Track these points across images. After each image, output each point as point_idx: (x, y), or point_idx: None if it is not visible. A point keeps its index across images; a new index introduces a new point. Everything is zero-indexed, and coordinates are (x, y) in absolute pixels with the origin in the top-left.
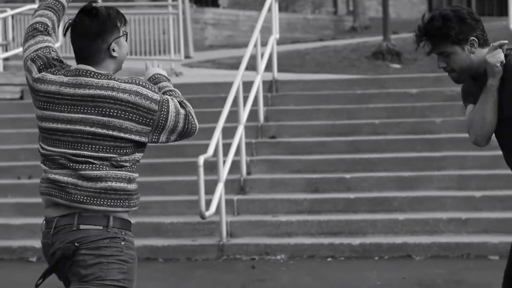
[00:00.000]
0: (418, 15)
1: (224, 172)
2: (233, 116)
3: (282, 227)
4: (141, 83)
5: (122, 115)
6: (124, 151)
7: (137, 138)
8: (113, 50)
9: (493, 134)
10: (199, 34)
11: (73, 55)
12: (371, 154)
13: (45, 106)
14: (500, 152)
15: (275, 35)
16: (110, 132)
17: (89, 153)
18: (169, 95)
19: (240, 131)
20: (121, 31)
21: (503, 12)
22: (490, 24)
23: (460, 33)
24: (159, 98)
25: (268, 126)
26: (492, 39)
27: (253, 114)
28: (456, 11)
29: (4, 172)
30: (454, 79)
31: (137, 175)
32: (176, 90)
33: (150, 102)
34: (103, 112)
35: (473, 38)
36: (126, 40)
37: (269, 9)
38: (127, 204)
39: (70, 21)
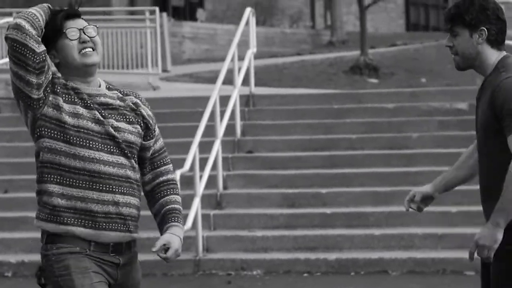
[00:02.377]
0: (395, 30)
1: (200, 187)
2: (210, 130)
3: (258, 242)
4: None
5: None
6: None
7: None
8: (53, 58)
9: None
10: (177, 47)
11: None
12: (347, 169)
13: None
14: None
15: (252, 49)
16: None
17: None
18: None
19: (217, 145)
20: (57, 38)
21: None
22: None
23: (474, 18)
24: None
25: (245, 141)
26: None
27: (230, 129)
28: (483, 2)
29: None
30: (455, 63)
31: (57, 188)
32: None
33: None
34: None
35: (484, 28)
36: (81, 34)
37: (247, 23)
38: (38, 215)
39: None
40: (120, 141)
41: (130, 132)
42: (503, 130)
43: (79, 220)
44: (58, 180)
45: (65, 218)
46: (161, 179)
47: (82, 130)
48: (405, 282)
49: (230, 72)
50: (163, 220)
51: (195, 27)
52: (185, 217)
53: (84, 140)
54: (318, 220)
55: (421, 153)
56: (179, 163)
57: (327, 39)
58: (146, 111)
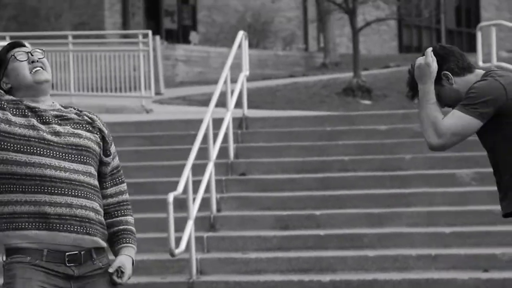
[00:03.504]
0: (388, 52)
1: (194, 209)
2: (203, 153)
3: (252, 264)
4: None
5: None
6: None
7: None
8: (4, 83)
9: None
10: (170, 70)
11: None
12: (340, 190)
13: None
14: (468, 189)
15: (245, 72)
16: None
17: None
18: None
19: (210, 168)
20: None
21: (473, 48)
22: None
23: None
24: None
25: (238, 163)
26: None
27: (223, 151)
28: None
29: None
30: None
31: (11, 196)
32: None
33: None
34: None
35: (445, 72)
36: (29, 56)
37: (240, 46)
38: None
39: None
40: (70, 146)
41: (87, 138)
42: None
43: (33, 224)
44: (10, 189)
45: (20, 224)
46: (122, 197)
47: (33, 139)
48: None
49: (223, 95)
50: (117, 238)
51: (188, 50)
52: (179, 239)
53: (35, 148)
54: (311, 242)
55: (414, 175)
56: (172, 186)
57: (320, 61)
58: (101, 126)
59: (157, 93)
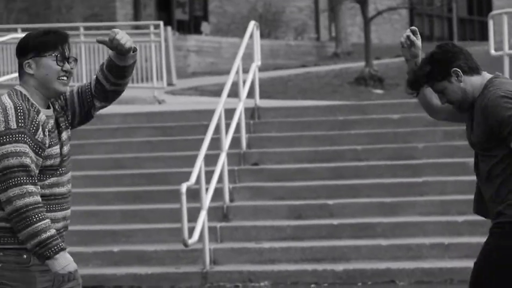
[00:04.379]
0: (400, 40)
1: (207, 199)
2: (216, 143)
3: (265, 254)
4: None
5: None
6: None
7: None
8: (28, 67)
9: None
10: (182, 61)
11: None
12: (353, 180)
13: None
14: None
15: (256, 62)
16: None
17: None
18: None
19: (223, 158)
20: (43, 53)
21: (485, 37)
22: (472, 49)
23: (439, 71)
24: None
25: (251, 153)
26: None
27: (235, 141)
28: (432, 54)
29: None
30: (457, 109)
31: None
32: None
33: None
34: None
35: (455, 69)
36: (58, 63)
37: (251, 36)
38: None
39: None
40: (68, 163)
41: (68, 152)
42: (504, 141)
43: None
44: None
45: None
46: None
47: (53, 165)
48: None
49: (235, 85)
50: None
51: (199, 40)
52: (192, 230)
53: (53, 172)
54: (325, 232)
55: (427, 163)
56: (184, 176)
57: (332, 50)
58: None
59: (169, 83)
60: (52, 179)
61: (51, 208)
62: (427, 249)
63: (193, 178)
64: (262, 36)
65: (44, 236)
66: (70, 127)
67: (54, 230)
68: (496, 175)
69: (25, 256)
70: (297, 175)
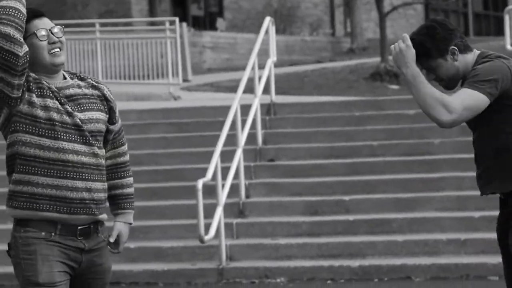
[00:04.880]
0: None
1: (223, 195)
2: (232, 139)
3: (282, 250)
4: None
5: None
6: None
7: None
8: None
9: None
10: (197, 57)
11: None
12: (369, 176)
13: None
14: None
15: (272, 58)
16: None
17: None
18: None
19: (239, 154)
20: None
21: (500, 32)
22: (488, 44)
23: (438, 48)
24: None
25: (267, 149)
26: None
27: (251, 138)
28: (429, 30)
29: None
30: (444, 87)
31: (32, 178)
32: None
33: None
34: None
35: (453, 47)
36: (49, 36)
37: (267, 32)
38: (12, 204)
39: None
40: (89, 131)
41: (97, 121)
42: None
43: (54, 207)
44: (32, 171)
45: (41, 205)
46: (119, 160)
47: (55, 123)
48: None
49: (250, 81)
50: (114, 203)
51: (215, 36)
52: (208, 226)
53: (57, 133)
54: (341, 227)
55: (443, 159)
56: (200, 172)
57: (347, 46)
58: (109, 96)
59: (185, 80)
60: (46, 140)
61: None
62: (444, 245)
63: (209, 174)
64: (277, 31)
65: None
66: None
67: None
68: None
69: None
70: (313, 171)
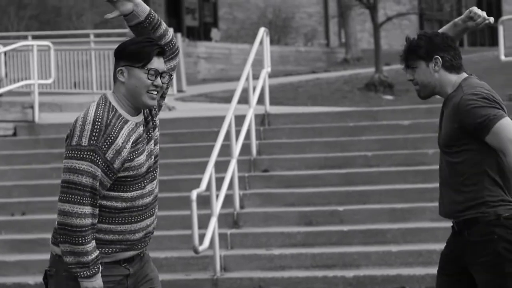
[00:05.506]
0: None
1: (217, 206)
2: (226, 150)
3: (276, 260)
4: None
5: None
6: None
7: None
8: (121, 74)
9: None
10: (192, 68)
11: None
12: (364, 186)
13: None
14: None
15: (266, 69)
16: None
17: None
18: None
19: (233, 165)
20: (136, 63)
21: (495, 43)
22: (482, 54)
23: (426, 50)
24: None
25: (261, 160)
26: (483, 68)
27: (245, 148)
28: (431, 33)
29: None
30: (417, 92)
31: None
32: None
33: None
34: None
35: (438, 57)
36: (149, 77)
37: (261, 43)
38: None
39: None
40: (155, 168)
41: (157, 154)
42: (476, 139)
43: (119, 249)
44: (100, 220)
45: (108, 249)
46: None
47: (141, 176)
48: None
49: (245, 92)
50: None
51: (209, 47)
52: (202, 236)
53: (139, 184)
54: (335, 238)
55: (437, 169)
56: (195, 183)
57: (342, 56)
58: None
59: (179, 90)
60: (134, 193)
61: (130, 220)
62: (438, 255)
63: (203, 185)
64: (272, 42)
65: (77, 259)
66: (157, 127)
67: (91, 257)
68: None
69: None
70: (308, 181)
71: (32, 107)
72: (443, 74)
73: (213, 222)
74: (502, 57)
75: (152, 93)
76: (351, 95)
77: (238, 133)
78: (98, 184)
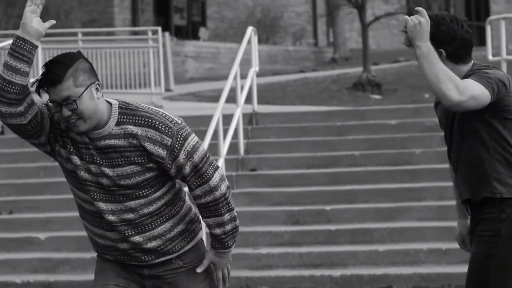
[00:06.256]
0: (398, 46)
1: None
2: (214, 149)
3: (263, 259)
4: None
5: None
6: None
7: None
8: None
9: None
10: (180, 67)
11: None
12: (351, 185)
13: None
14: None
15: (254, 68)
16: None
17: None
18: None
19: (221, 164)
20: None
21: (482, 42)
22: None
23: (431, 37)
24: None
25: (249, 159)
26: None
27: (233, 147)
28: (438, 21)
29: None
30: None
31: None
32: None
33: None
34: None
35: (441, 50)
36: (55, 110)
37: (249, 42)
38: None
39: None
40: (116, 189)
41: (128, 176)
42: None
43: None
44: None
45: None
46: (200, 201)
47: (78, 178)
48: None
49: (233, 91)
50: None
51: (197, 46)
52: None
53: (83, 187)
54: (322, 237)
55: (425, 169)
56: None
57: (330, 56)
58: (152, 147)
59: (167, 89)
60: (71, 184)
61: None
62: (425, 254)
63: None
64: (260, 41)
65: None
66: (135, 165)
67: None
68: None
69: None
70: (295, 180)
71: None
72: (450, 65)
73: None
74: (490, 57)
75: (72, 122)
76: (339, 95)
77: (225, 132)
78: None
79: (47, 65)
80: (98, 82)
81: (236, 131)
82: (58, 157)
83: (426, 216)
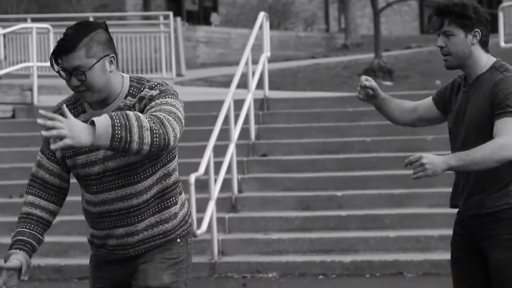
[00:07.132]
0: (409, 32)
1: (215, 190)
2: (225, 134)
3: (274, 245)
4: None
5: None
6: None
7: None
8: None
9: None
10: (191, 52)
11: None
12: (362, 171)
13: None
14: None
15: (266, 53)
16: None
17: None
18: None
19: (232, 149)
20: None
21: (494, 29)
22: None
23: (471, 20)
24: None
25: (260, 144)
26: None
27: (244, 132)
28: (475, 3)
29: None
30: (447, 63)
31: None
32: None
33: None
34: None
35: (478, 30)
36: (65, 80)
37: (261, 27)
38: None
39: None
40: (116, 172)
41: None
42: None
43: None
44: None
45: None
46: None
47: (88, 177)
48: (420, 284)
49: (244, 76)
50: None
51: (209, 31)
52: (200, 220)
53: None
54: (333, 223)
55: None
56: (193, 167)
57: (341, 42)
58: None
59: (178, 74)
60: (87, 195)
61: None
62: (436, 241)
63: (202, 169)
64: (271, 27)
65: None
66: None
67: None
68: None
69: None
70: (306, 166)
71: (31, 89)
72: (477, 49)
73: (211, 206)
74: (502, 44)
75: (80, 93)
76: (350, 81)
77: (237, 117)
78: (44, 172)
79: (65, 32)
80: (113, 55)
81: (247, 117)
82: (73, 170)
83: (437, 202)
